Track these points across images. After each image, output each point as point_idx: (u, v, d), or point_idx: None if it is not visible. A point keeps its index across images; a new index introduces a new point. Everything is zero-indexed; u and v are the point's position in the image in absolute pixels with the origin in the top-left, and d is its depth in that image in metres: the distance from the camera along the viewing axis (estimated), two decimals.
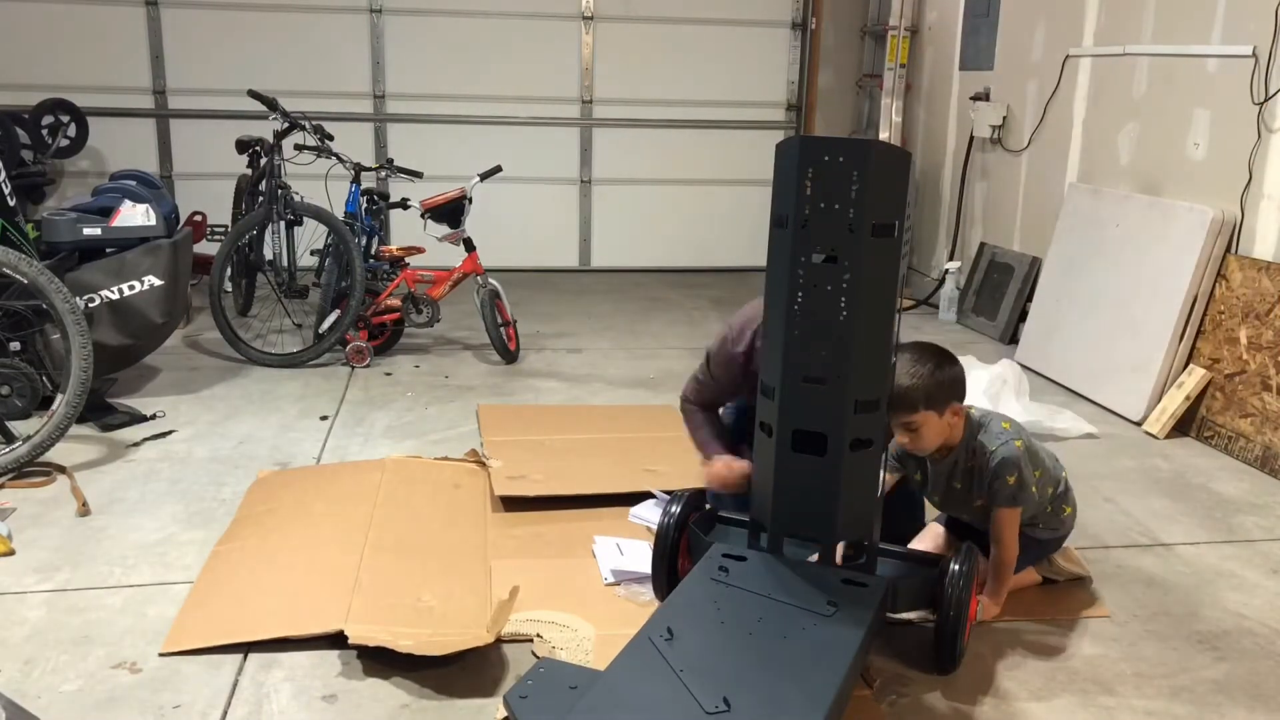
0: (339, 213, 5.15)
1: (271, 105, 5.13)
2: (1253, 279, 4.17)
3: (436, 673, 2.40)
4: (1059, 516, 2.81)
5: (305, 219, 5.13)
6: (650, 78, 7.62)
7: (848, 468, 2.35)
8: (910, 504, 3.00)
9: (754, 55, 7.75)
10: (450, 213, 5.25)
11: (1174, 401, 4.32)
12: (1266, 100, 4.14)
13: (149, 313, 4.30)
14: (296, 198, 5.12)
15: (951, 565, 2.44)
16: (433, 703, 2.32)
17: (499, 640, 2.49)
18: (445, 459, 3.77)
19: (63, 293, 3.58)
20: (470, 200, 5.26)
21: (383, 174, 5.65)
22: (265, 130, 5.34)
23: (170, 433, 4.05)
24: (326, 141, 5.24)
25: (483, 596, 2.77)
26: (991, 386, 4.34)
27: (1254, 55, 4.20)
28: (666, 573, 2.67)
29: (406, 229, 6.42)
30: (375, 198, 5.60)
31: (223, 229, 6.11)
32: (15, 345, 3.97)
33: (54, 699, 2.30)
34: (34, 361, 4.03)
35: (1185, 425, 4.32)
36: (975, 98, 6.30)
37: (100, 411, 4.09)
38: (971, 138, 6.42)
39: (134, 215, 4.32)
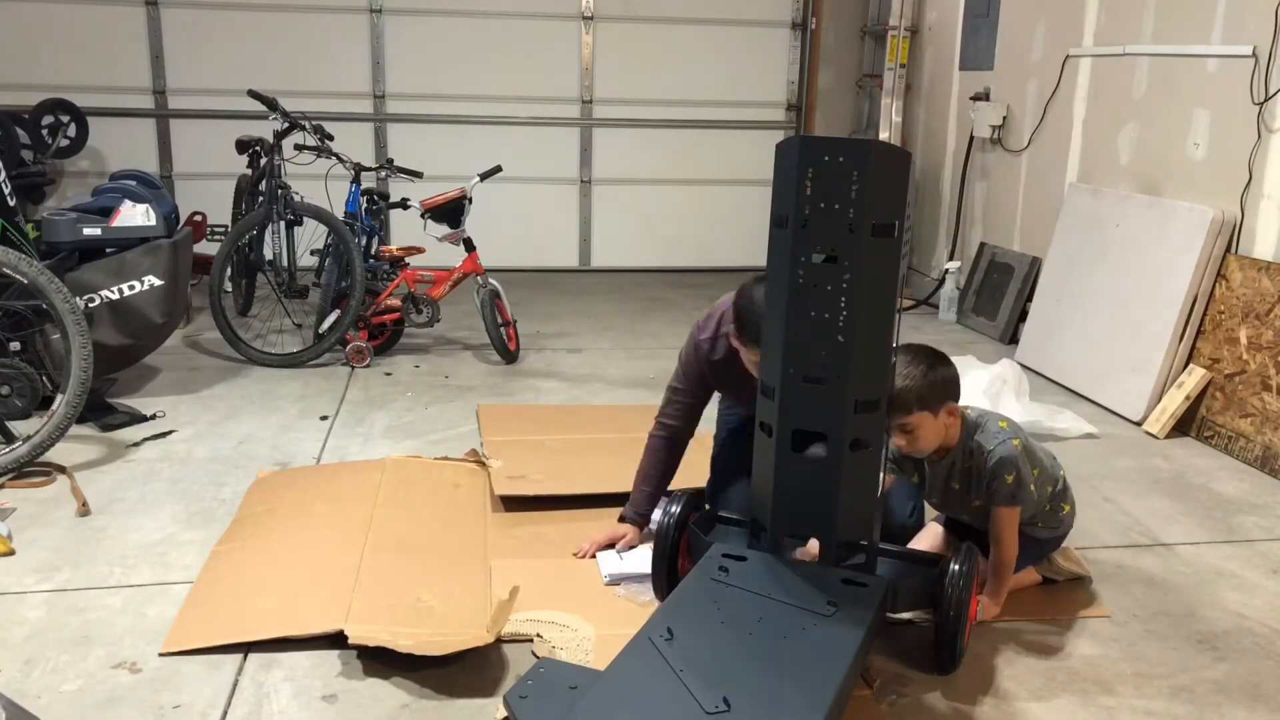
0: (339, 213, 5.15)
1: (271, 105, 5.13)
2: (1253, 279, 4.17)
3: (436, 673, 2.40)
4: (1058, 515, 2.82)
5: (305, 219, 5.13)
6: (650, 78, 7.62)
7: (848, 468, 2.35)
8: (906, 504, 3.00)
9: (754, 55, 7.75)
10: (450, 213, 5.25)
11: (1174, 401, 4.32)
12: (1266, 100, 4.14)
13: (149, 313, 4.30)
14: (296, 198, 5.12)
15: (951, 565, 2.44)
16: (433, 703, 2.32)
17: (499, 640, 2.49)
18: (445, 459, 3.77)
19: (63, 293, 3.58)
20: (470, 200, 5.26)
21: (383, 174, 5.65)
22: (265, 130, 5.34)
23: (170, 433, 4.05)
24: (326, 141, 5.24)
25: (483, 596, 2.77)
26: (991, 386, 4.34)
27: (1254, 55, 4.20)
28: (666, 573, 2.67)
29: (406, 229, 6.42)
30: (375, 198, 5.60)
31: (223, 229, 6.11)
32: (15, 345, 3.97)
33: (54, 699, 2.30)
34: (34, 361, 4.03)
35: (1185, 425, 4.32)
36: (975, 98, 6.30)
37: (100, 411, 4.09)
38: (971, 138, 6.42)
39: (134, 215, 4.32)
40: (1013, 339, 5.74)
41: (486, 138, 7.42)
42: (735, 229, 7.83)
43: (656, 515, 2.83)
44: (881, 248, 2.28)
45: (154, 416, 4.20)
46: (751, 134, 7.82)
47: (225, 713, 2.28)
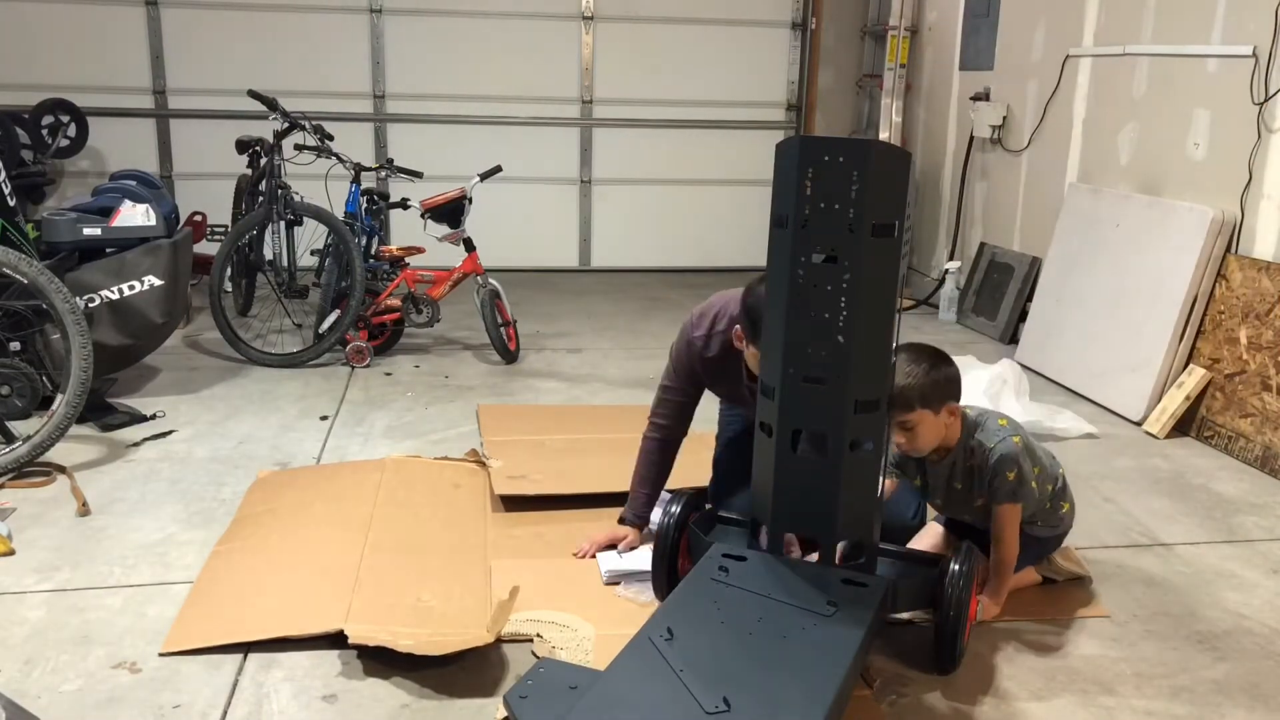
0: (339, 213, 5.15)
1: (271, 105, 5.13)
2: (1253, 279, 4.17)
3: (436, 673, 2.40)
4: (1057, 514, 2.82)
5: (305, 219, 5.13)
6: (650, 78, 7.62)
7: (848, 468, 2.35)
8: (910, 504, 3.00)
9: (754, 55, 7.75)
10: (450, 213, 5.25)
11: (1174, 401, 4.32)
12: (1266, 100, 4.14)
13: (149, 313, 4.30)
14: (296, 198, 5.12)
15: (951, 565, 2.44)
16: (433, 703, 2.32)
17: (499, 640, 2.49)
18: (445, 459, 3.77)
19: (63, 293, 3.58)
20: (470, 200, 5.26)
21: (383, 174, 5.65)
22: (265, 130, 5.34)
23: (170, 433, 4.05)
24: (326, 141, 5.24)
25: (483, 596, 2.77)
26: (991, 386, 4.34)
27: (1254, 55, 4.20)
28: (666, 573, 2.67)
29: (406, 229, 6.41)
30: (375, 198, 5.60)
31: (223, 229, 6.11)
32: (15, 345, 3.97)
33: (54, 699, 2.30)
34: (34, 361, 4.03)
35: (1185, 425, 4.32)
36: (975, 98, 6.30)
37: (100, 411, 4.09)
38: (971, 138, 6.42)
39: (134, 215, 4.32)
40: (1013, 339, 5.74)
41: (486, 138, 7.42)
42: (735, 229, 7.83)
43: (656, 515, 2.83)
44: (881, 248, 2.28)
45: (154, 416, 4.20)
46: (751, 134, 7.82)
47: (225, 713, 2.28)
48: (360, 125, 7.32)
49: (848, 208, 2.24)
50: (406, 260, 5.36)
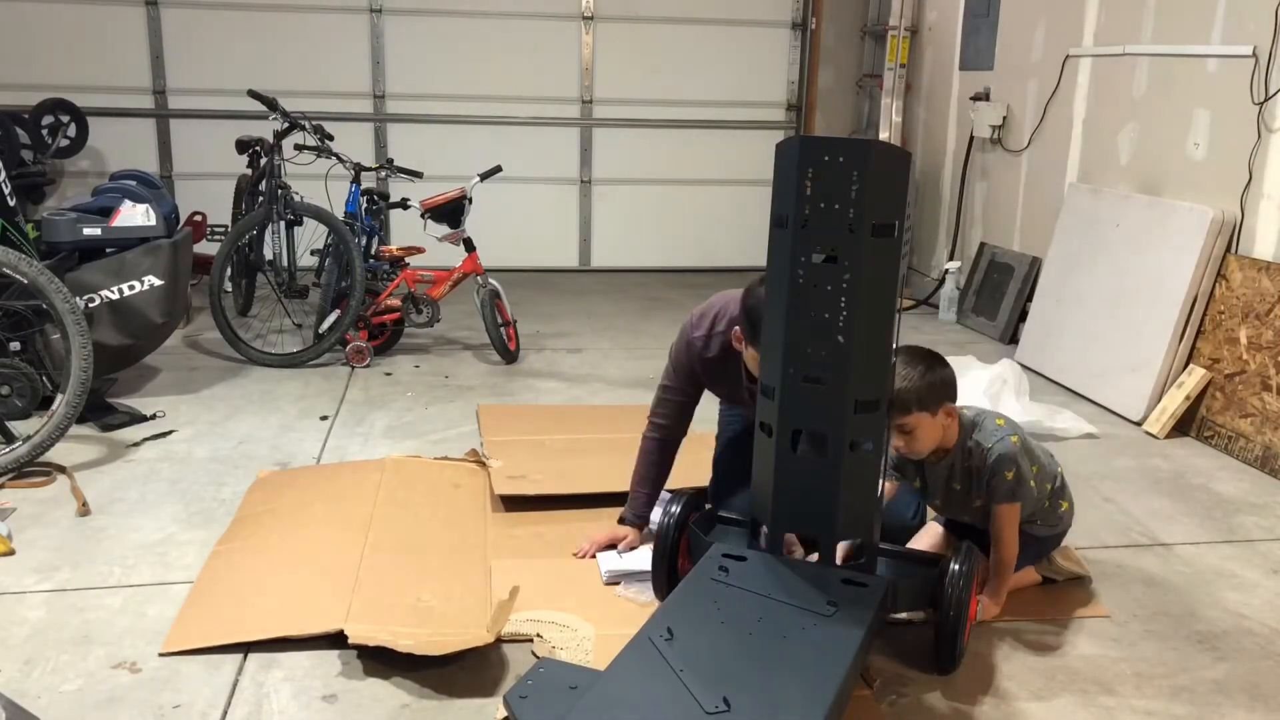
0: (339, 213, 5.15)
1: (271, 105, 5.13)
2: (1253, 279, 4.17)
3: (436, 673, 2.40)
4: (1056, 513, 2.82)
5: (305, 219, 5.13)
6: (650, 78, 7.62)
7: (848, 468, 2.35)
8: (910, 504, 3.00)
9: (754, 55, 7.75)
10: (450, 213, 5.25)
11: (1174, 401, 4.32)
12: (1266, 100, 4.14)
13: (149, 313, 4.30)
14: (296, 198, 5.12)
15: (951, 565, 2.44)
16: (433, 703, 2.32)
17: (499, 640, 2.49)
18: (445, 459, 3.77)
19: (63, 293, 3.58)
20: (470, 200, 5.26)
21: (383, 174, 5.65)
22: (265, 130, 5.34)
23: (170, 433, 4.05)
24: (326, 141, 5.24)
25: (483, 596, 2.77)
26: (991, 386, 4.34)
27: (1254, 55, 4.20)
28: (666, 573, 2.67)
29: (406, 229, 6.41)
30: (375, 198, 5.60)
31: (223, 229, 6.11)
32: (15, 345, 3.97)
33: (54, 699, 2.30)
34: (34, 361, 4.03)
35: (1185, 425, 4.32)
36: (975, 98, 6.30)
37: (100, 411, 4.09)
38: (971, 138, 6.42)
39: (134, 215, 4.32)
40: (1013, 339, 5.74)
41: (486, 138, 7.43)
42: (735, 229, 7.83)
43: (656, 515, 2.83)
44: (881, 248, 2.28)
45: (154, 416, 4.20)
46: (751, 134, 7.82)
47: (225, 713, 2.28)
48: (360, 125, 7.32)
49: (848, 208, 2.24)
50: (406, 260, 5.36)
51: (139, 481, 3.57)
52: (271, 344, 5.25)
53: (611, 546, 3.00)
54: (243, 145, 5.73)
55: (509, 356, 5.24)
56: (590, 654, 2.49)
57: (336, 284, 5.10)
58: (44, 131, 6.51)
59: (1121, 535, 3.33)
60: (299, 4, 7.13)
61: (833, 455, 2.35)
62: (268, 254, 5.25)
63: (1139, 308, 4.63)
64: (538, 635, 2.56)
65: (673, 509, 2.69)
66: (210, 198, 6.61)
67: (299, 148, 5.14)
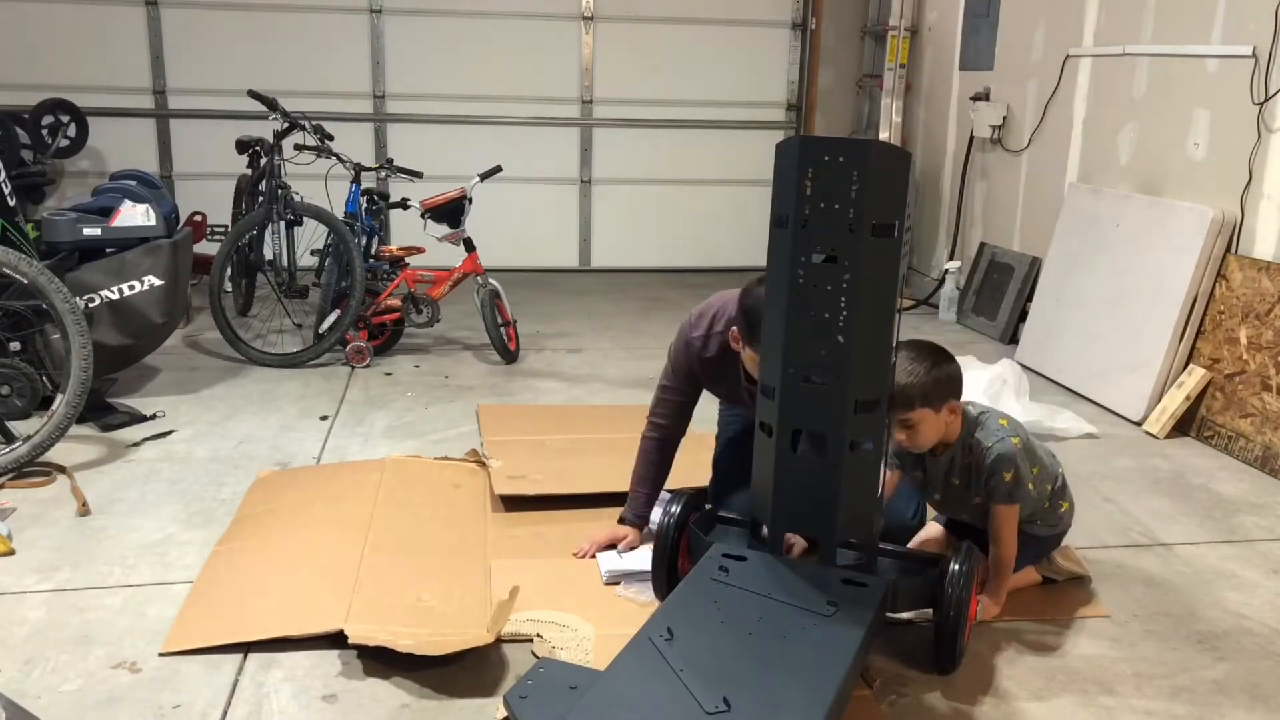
0: (339, 213, 5.15)
1: (271, 105, 5.13)
2: (1253, 279, 4.17)
3: (436, 673, 2.40)
4: (1056, 513, 2.82)
5: (305, 219, 5.13)
6: (650, 78, 7.62)
7: (848, 468, 2.35)
8: (910, 504, 3.00)
9: (754, 55, 7.75)
10: (450, 213, 5.25)
11: (1174, 401, 4.32)
12: (1266, 100, 4.14)
13: (149, 313, 4.30)
14: (296, 198, 5.12)
15: (951, 565, 2.44)
16: (433, 703, 2.32)
17: (499, 640, 2.49)
18: (445, 459, 3.77)
19: (63, 293, 3.58)
20: (470, 200, 5.26)
21: (383, 174, 5.65)
22: (265, 130, 5.34)
23: (170, 433, 4.05)
24: (326, 141, 5.24)
25: (483, 596, 2.77)
26: (991, 386, 4.34)
27: (1254, 55, 4.20)
28: (666, 573, 2.67)
29: (406, 229, 6.41)
30: (375, 198, 5.60)
31: (223, 229, 6.11)
32: (15, 345, 3.97)
33: (54, 699, 2.30)
34: (34, 361, 4.03)
35: (1185, 425, 4.32)
36: (975, 98, 6.30)
37: (100, 411, 4.09)
38: (971, 138, 6.42)
39: (134, 215, 4.32)
40: (1013, 339, 5.74)
41: (486, 138, 7.42)
42: (735, 229, 7.83)
43: (656, 515, 2.83)
44: (881, 248, 2.28)
45: (154, 416, 4.20)
46: (751, 134, 7.82)
47: (225, 713, 2.28)
48: (360, 125, 7.32)
49: (848, 208, 2.24)
50: (406, 260, 5.36)
51: (139, 481, 3.57)
52: (271, 344, 5.25)
53: (611, 546, 3.00)
54: (243, 145, 5.73)
55: (509, 356, 5.24)
56: (590, 654, 2.49)
57: (336, 284, 5.10)
58: (44, 131, 6.51)
59: (1121, 535, 3.33)
60: (299, 4, 7.13)
61: (833, 455, 2.35)
62: (268, 254, 5.25)
63: (1139, 308, 4.63)
64: (538, 635, 2.56)
65: (673, 509, 2.69)
66: (210, 198, 6.61)
67: (299, 148, 5.14)
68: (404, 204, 5.51)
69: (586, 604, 2.73)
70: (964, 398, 2.69)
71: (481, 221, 6.04)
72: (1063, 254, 5.32)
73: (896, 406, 2.53)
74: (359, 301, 5.01)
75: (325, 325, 5.04)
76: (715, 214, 7.89)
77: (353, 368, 5.04)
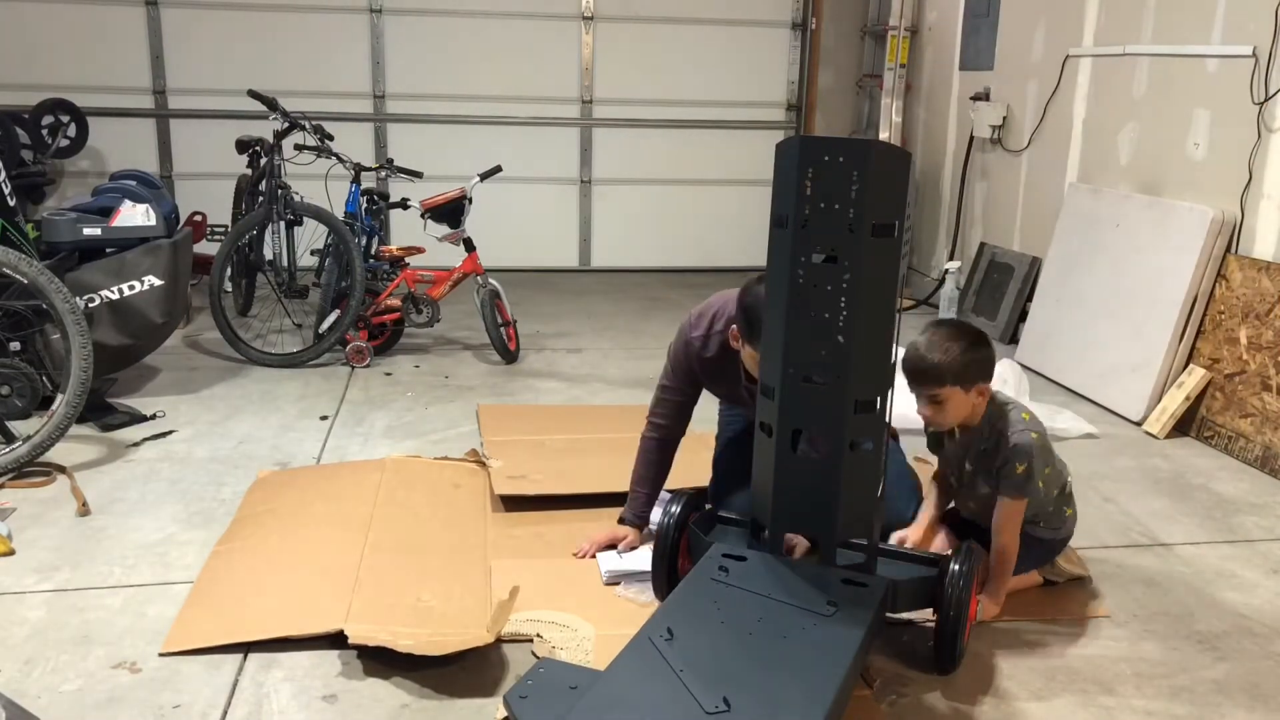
0: (339, 213, 5.15)
1: (271, 105, 5.13)
2: (1253, 279, 4.17)
3: (436, 673, 2.40)
4: (1061, 516, 2.82)
5: (305, 219, 5.13)
6: (650, 78, 7.62)
7: (848, 468, 2.35)
8: (910, 504, 3.01)
9: (754, 55, 7.75)
10: (450, 213, 5.25)
11: (1174, 401, 4.32)
12: (1266, 100, 4.14)
13: (149, 313, 4.30)
14: (296, 198, 5.12)
15: (951, 565, 2.44)
16: (433, 703, 2.32)
17: (499, 640, 2.49)
18: (445, 459, 3.77)
19: (63, 293, 3.58)
20: (470, 200, 5.26)
21: (383, 174, 5.65)
22: (265, 130, 5.34)
23: (170, 433, 4.05)
24: (326, 141, 5.24)
25: (483, 596, 2.77)
26: (991, 386, 4.34)
27: (1254, 55, 4.20)
28: (666, 573, 2.67)
29: (406, 229, 6.42)
30: (375, 198, 5.60)
31: (223, 229, 6.11)
32: (15, 345, 3.97)
33: (54, 699, 2.30)
34: (34, 361, 4.03)
35: (1185, 425, 4.32)
36: (975, 98, 6.30)
37: (100, 411, 4.09)
38: (971, 138, 6.42)
39: (134, 215, 4.32)
40: (1013, 339, 5.74)
41: (486, 138, 7.42)
42: (735, 229, 7.83)
43: (656, 515, 2.83)
44: (881, 248, 2.28)
45: (154, 416, 4.20)
46: (751, 134, 7.82)
47: (225, 713, 2.28)
48: (360, 125, 7.32)
49: (848, 208, 2.24)
50: (406, 260, 5.36)
51: (139, 481, 3.57)
52: (271, 344, 5.25)
53: (611, 546, 3.00)
54: (243, 145, 5.73)
55: (509, 356, 5.24)
56: (590, 654, 2.49)
57: (336, 284, 5.10)
58: (44, 131, 6.51)
59: (1121, 535, 3.33)
60: (299, 4, 7.13)
61: (833, 455, 2.35)
62: (268, 254, 5.25)
63: (1139, 308, 4.63)
64: (538, 635, 2.56)
65: (673, 509, 2.69)
66: (210, 198, 6.61)
67: (299, 148, 5.14)
68: (404, 204, 5.51)
69: (586, 604, 2.73)
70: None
71: (481, 221, 6.04)
72: (1063, 254, 5.32)
73: (928, 382, 2.58)
74: (359, 301, 5.01)
75: (325, 325, 5.04)
76: (715, 214, 7.89)
77: (353, 368, 5.04)
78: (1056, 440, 4.09)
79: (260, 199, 5.28)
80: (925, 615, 2.58)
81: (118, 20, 7.00)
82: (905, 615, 2.64)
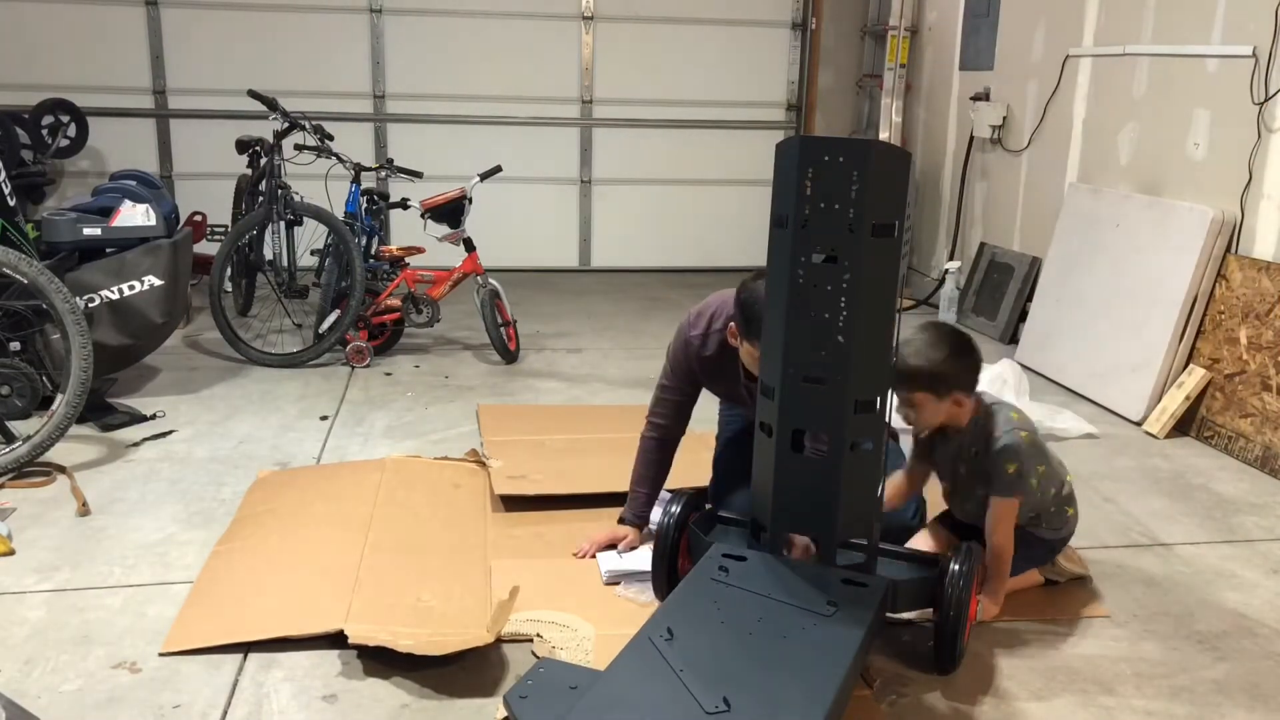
0: (339, 213, 5.15)
1: (271, 105, 5.13)
2: (1253, 279, 4.17)
3: (436, 673, 2.40)
4: (1062, 516, 2.82)
5: (305, 219, 5.13)
6: (650, 78, 7.62)
7: (848, 468, 2.35)
8: (910, 504, 3.00)
9: (754, 55, 7.75)
10: (450, 213, 5.25)
11: (1174, 401, 4.32)
12: (1266, 100, 4.14)
13: (149, 313, 4.30)
14: (296, 198, 5.12)
15: (951, 565, 2.44)
16: (433, 703, 2.32)
17: (499, 640, 2.49)
18: (445, 459, 3.77)
19: (63, 293, 3.58)
20: (470, 200, 5.26)
21: (383, 174, 5.65)
22: (265, 130, 5.34)
23: (170, 433, 4.05)
24: (326, 141, 5.24)
25: (483, 596, 2.77)
26: (991, 386, 4.34)
27: (1254, 55, 4.20)
28: (666, 573, 2.67)
29: (406, 229, 6.42)
30: (375, 198, 5.60)
31: (223, 229, 6.11)
32: (15, 345, 3.97)
33: (54, 699, 2.30)
34: (34, 361, 4.03)
35: (1185, 425, 4.32)
36: (975, 98, 6.30)
37: (100, 411, 4.09)
38: (971, 138, 6.42)
39: (134, 215, 4.32)
40: (1013, 339, 5.74)
41: (486, 138, 7.42)
42: (735, 229, 7.83)
43: (656, 515, 2.83)
44: (881, 248, 2.28)
45: (154, 416, 4.20)
46: (751, 134, 7.82)
47: (225, 713, 2.28)
48: (360, 125, 7.32)
49: (848, 208, 2.24)
50: (406, 260, 5.36)
51: (139, 481, 3.57)
52: (271, 344, 5.25)
53: (611, 546, 3.00)
54: (243, 145, 5.74)
55: (509, 356, 5.24)
56: (590, 654, 2.49)
57: (336, 284, 5.10)
58: (44, 131, 6.51)
59: (1121, 535, 3.33)
60: (299, 4, 7.13)
61: (833, 455, 2.35)
62: (268, 254, 5.25)
63: (1139, 308, 4.63)
64: (538, 635, 2.56)
65: (673, 509, 2.69)
66: (210, 198, 6.61)
67: (299, 148, 5.14)
68: (404, 204, 5.51)
69: (586, 604, 2.73)
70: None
71: (481, 221, 6.04)
72: (1063, 254, 5.32)
73: (902, 383, 2.56)
74: (359, 301, 5.01)
75: (325, 325, 5.04)
76: (715, 214, 7.89)
77: (353, 368, 5.04)
78: (1056, 440, 4.12)
79: (260, 199, 5.28)
80: (925, 615, 2.58)
81: (118, 20, 7.00)
82: (905, 615, 2.64)
